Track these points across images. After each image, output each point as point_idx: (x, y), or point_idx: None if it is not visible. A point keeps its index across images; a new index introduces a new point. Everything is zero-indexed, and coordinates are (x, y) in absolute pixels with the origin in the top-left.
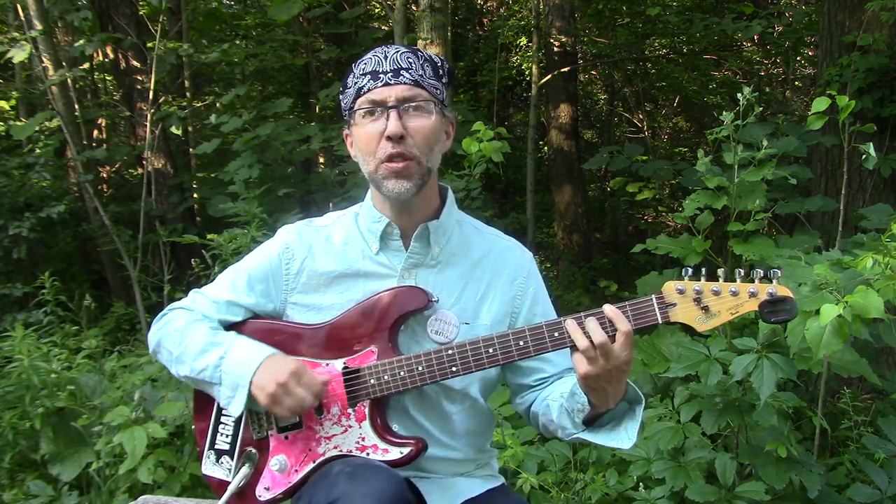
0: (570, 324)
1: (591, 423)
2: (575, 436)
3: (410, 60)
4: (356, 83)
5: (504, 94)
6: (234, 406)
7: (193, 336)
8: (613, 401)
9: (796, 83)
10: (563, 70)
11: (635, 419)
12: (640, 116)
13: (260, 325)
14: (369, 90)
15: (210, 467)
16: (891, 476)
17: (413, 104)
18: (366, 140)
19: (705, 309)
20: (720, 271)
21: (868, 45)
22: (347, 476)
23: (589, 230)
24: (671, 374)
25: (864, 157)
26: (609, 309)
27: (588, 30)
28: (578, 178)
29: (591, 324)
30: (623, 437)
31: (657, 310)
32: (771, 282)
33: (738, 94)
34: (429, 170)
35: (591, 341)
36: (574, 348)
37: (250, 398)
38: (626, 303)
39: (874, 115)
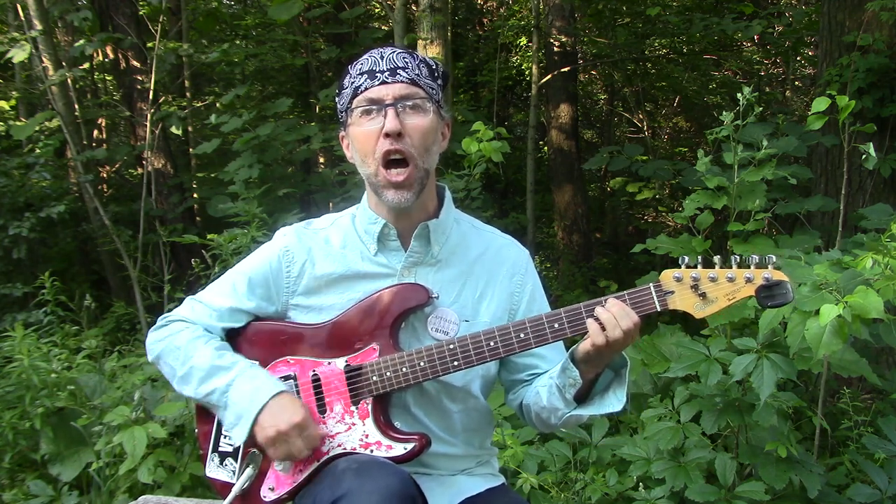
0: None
1: (580, 401)
2: (567, 415)
3: (407, 60)
4: (353, 83)
5: (504, 94)
6: (236, 435)
7: (198, 357)
8: (602, 365)
9: (796, 83)
10: (563, 70)
11: (623, 383)
12: (640, 116)
13: (262, 326)
14: (367, 89)
15: (214, 469)
16: (891, 476)
17: (410, 102)
18: (363, 139)
19: (703, 296)
20: (716, 258)
21: (868, 45)
22: (354, 473)
23: (589, 230)
24: (671, 374)
25: (864, 157)
26: (612, 302)
27: (588, 30)
28: (578, 178)
29: (610, 302)
30: (613, 401)
31: (655, 298)
32: (766, 267)
33: (738, 94)
34: (426, 171)
35: (613, 314)
36: (596, 319)
37: (252, 431)
38: (625, 292)
39: (874, 115)
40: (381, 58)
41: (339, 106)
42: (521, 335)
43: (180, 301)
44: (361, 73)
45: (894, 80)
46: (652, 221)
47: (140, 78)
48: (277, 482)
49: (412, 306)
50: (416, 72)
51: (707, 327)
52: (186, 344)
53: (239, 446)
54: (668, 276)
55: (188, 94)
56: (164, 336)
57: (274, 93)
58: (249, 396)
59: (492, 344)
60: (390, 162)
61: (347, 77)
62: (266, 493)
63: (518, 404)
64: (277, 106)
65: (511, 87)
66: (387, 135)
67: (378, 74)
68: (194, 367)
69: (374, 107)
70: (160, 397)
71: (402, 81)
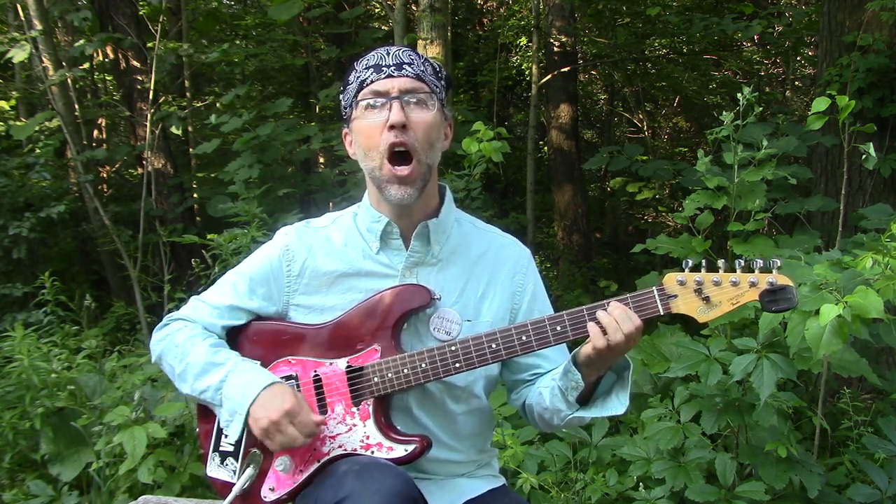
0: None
1: (582, 403)
2: (570, 417)
3: (412, 57)
4: (359, 77)
5: (504, 94)
6: (231, 431)
7: (194, 354)
8: (604, 368)
9: (796, 83)
10: (563, 70)
11: (625, 386)
12: (640, 116)
13: (263, 327)
14: (372, 82)
15: (214, 469)
16: (891, 476)
17: (415, 97)
18: (368, 132)
19: (706, 300)
20: (720, 262)
21: (868, 45)
22: (355, 474)
23: (589, 230)
24: (671, 374)
25: (864, 157)
26: (614, 305)
27: (588, 30)
28: (578, 178)
29: (612, 305)
30: (616, 404)
31: (658, 301)
32: (770, 271)
33: (738, 94)
34: (429, 167)
35: (614, 317)
36: (598, 323)
37: (246, 426)
38: (628, 295)
39: (874, 115)
40: (388, 53)
41: (343, 102)
42: (524, 338)
43: (180, 301)
44: (368, 68)
45: (894, 80)
46: (652, 221)
47: (140, 78)
48: (278, 482)
49: (414, 307)
50: (421, 68)
51: (707, 327)
52: (184, 342)
53: (240, 447)
54: (671, 279)
55: (188, 94)
56: (165, 336)
57: (274, 93)
58: (241, 391)
59: (494, 346)
60: (395, 156)
61: (353, 72)
62: (266, 494)
63: (521, 404)
64: (277, 106)
65: (511, 87)
66: (391, 127)
67: (384, 68)
68: (190, 363)
69: (379, 99)
70: (160, 397)
71: (407, 76)
